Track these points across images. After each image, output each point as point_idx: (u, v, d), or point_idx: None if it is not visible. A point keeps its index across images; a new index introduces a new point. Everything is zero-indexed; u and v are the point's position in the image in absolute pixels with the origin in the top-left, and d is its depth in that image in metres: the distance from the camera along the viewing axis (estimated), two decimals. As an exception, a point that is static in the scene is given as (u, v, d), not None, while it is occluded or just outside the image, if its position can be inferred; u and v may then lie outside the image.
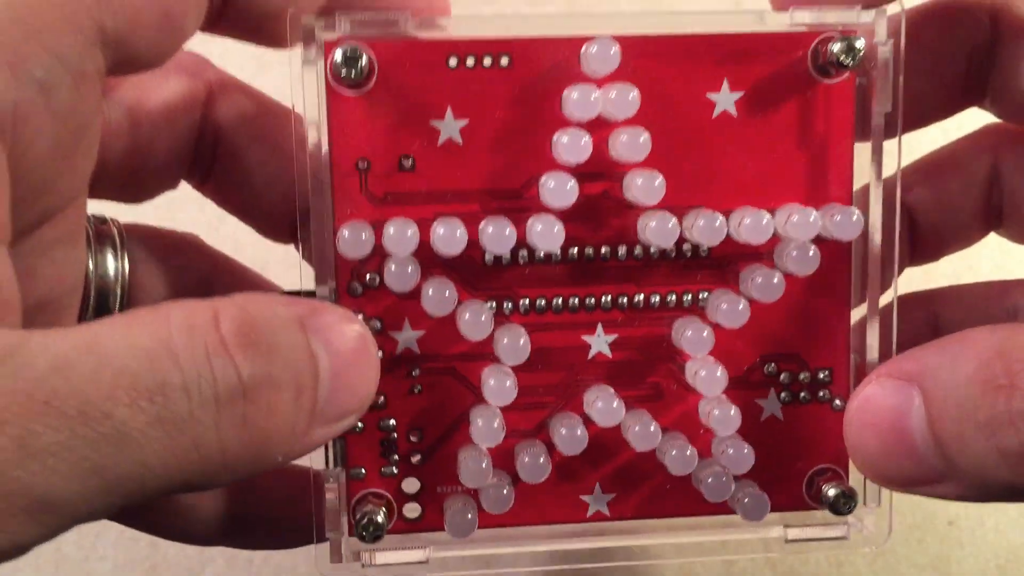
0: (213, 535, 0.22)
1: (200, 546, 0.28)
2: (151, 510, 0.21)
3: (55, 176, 0.17)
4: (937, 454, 0.18)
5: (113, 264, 0.21)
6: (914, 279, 0.24)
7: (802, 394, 0.21)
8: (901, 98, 0.20)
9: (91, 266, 0.21)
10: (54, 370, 0.14)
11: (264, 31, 0.20)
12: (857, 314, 0.21)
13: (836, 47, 0.20)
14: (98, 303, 0.21)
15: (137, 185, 0.22)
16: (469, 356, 0.21)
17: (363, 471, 0.21)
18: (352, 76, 0.19)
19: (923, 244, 0.24)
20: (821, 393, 0.21)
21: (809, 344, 0.21)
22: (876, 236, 0.21)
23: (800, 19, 0.20)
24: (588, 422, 0.21)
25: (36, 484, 0.14)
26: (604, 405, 0.20)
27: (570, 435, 0.20)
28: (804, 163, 0.21)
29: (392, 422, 0.21)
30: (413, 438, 0.21)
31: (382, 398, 0.20)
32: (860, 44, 0.20)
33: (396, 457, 0.21)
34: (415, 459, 0.21)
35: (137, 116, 0.21)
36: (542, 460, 0.20)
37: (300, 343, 0.16)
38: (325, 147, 0.20)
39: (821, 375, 0.21)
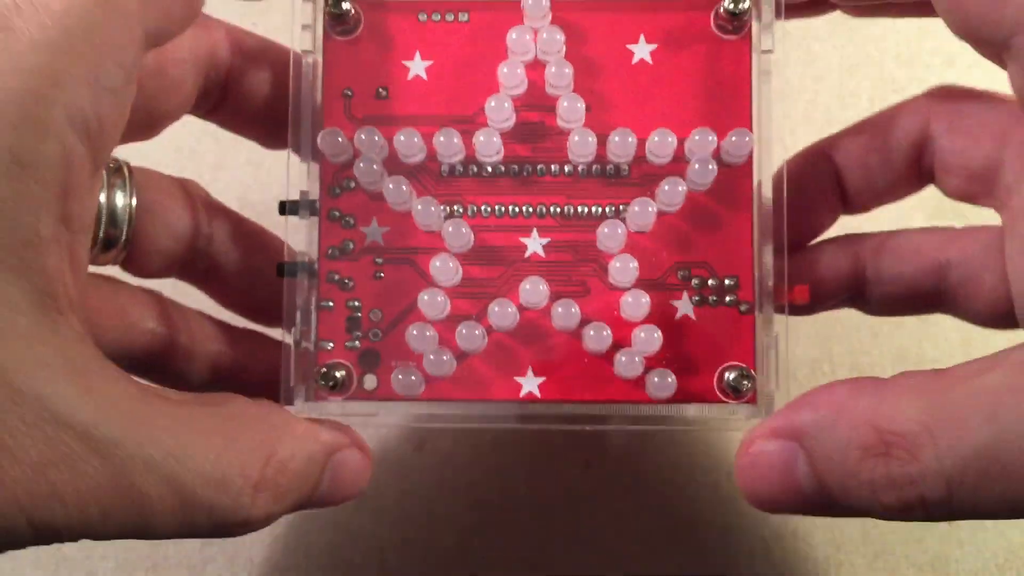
0: (206, 384, 0.27)
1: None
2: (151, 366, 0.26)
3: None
4: (822, 497, 0.21)
5: (122, 200, 0.25)
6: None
7: (712, 298, 0.25)
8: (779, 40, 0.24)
9: (103, 200, 0.24)
10: (144, 470, 0.19)
11: None
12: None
13: (727, 2, 0.24)
14: (107, 236, 0.25)
15: (153, 123, 0.25)
16: (424, 249, 0.25)
17: (331, 344, 0.25)
18: (340, 13, 0.24)
19: (853, 197, 0.27)
20: (729, 298, 0.25)
21: (718, 254, 0.25)
22: (767, 162, 0.24)
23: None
24: (523, 309, 0.24)
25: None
26: (531, 287, 0.24)
27: (502, 312, 0.24)
28: (710, 101, 0.25)
29: (357, 303, 0.25)
30: (374, 317, 0.25)
31: (351, 281, 0.25)
32: (746, 2, 0.24)
33: (359, 332, 0.25)
34: (374, 336, 0.25)
35: (163, 65, 0.24)
36: (478, 332, 0.24)
37: (315, 478, 0.22)
38: (319, 78, 0.25)
39: (728, 282, 0.25)
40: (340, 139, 0.24)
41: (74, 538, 0.19)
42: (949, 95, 0.26)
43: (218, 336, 0.27)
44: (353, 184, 0.25)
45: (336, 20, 0.25)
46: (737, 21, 0.25)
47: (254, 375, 0.27)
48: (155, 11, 0.20)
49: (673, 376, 0.24)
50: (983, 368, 0.20)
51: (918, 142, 0.26)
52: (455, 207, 0.25)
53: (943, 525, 0.34)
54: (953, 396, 0.20)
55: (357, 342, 0.25)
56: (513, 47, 0.24)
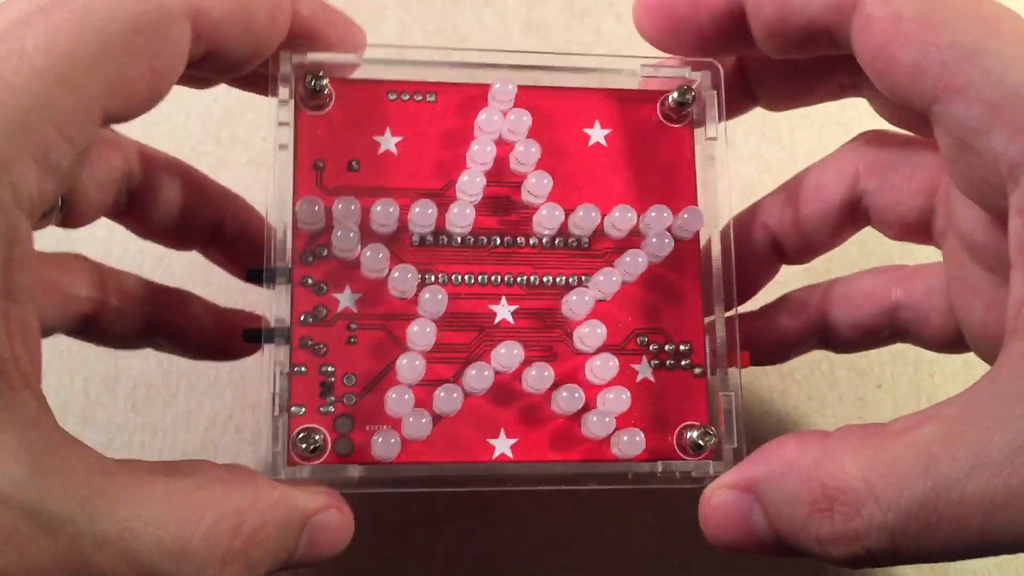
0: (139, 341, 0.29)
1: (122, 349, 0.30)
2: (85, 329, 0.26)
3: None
4: (776, 542, 0.23)
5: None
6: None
7: (668, 362, 0.26)
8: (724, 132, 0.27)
9: None
10: (96, 546, 0.19)
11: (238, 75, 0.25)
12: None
13: (675, 95, 0.27)
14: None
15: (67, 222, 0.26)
16: (398, 316, 0.25)
17: (303, 409, 0.25)
18: (315, 89, 0.25)
19: (792, 255, 0.29)
20: (684, 362, 0.26)
21: (672, 321, 0.27)
22: (714, 235, 0.27)
23: (647, 72, 0.27)
24: (496, 372, 0.25)
25: None
26: (506, 351, 0.25)
27: (479, 375, 0.25)
28: (660, 181, 0.27)
29: (331, 368, 0.25)
30: (347, 383, 0.25)
31: (324, 347, 0.25)
32: (691, 96, 0.27)
33: (332, 398, 0.25)
34: (348, 401, 0.25)
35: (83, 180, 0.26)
36: (455, 395, 0.25)
37: (290, 545, 0.22)
38: (291, 150, 0.26)
39: (683, 347, 0.27)
40: (317, 208, 0.25)
41: None
42: (875, 143, 0.28)
43: (147, 295, 0.29)
44: (326, 252, 0.25)
45: (311, 95, 0.26)
46: (682, 111, 0.27)
47: (183, 331, 0.29)
48: (118, 97, 0.21)
49: (642, 435, 0.25)
50: (918, 422, 0.21)
51: (850, 201, 0.28)
52: (426, 275, 0.26)
53: None
54: (891, 451, 0.21)
55: (331, 407, 0.25)
56: (483, 126, 0.26)
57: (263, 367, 0.25)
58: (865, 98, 0.27)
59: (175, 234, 0.29)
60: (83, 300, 0.27)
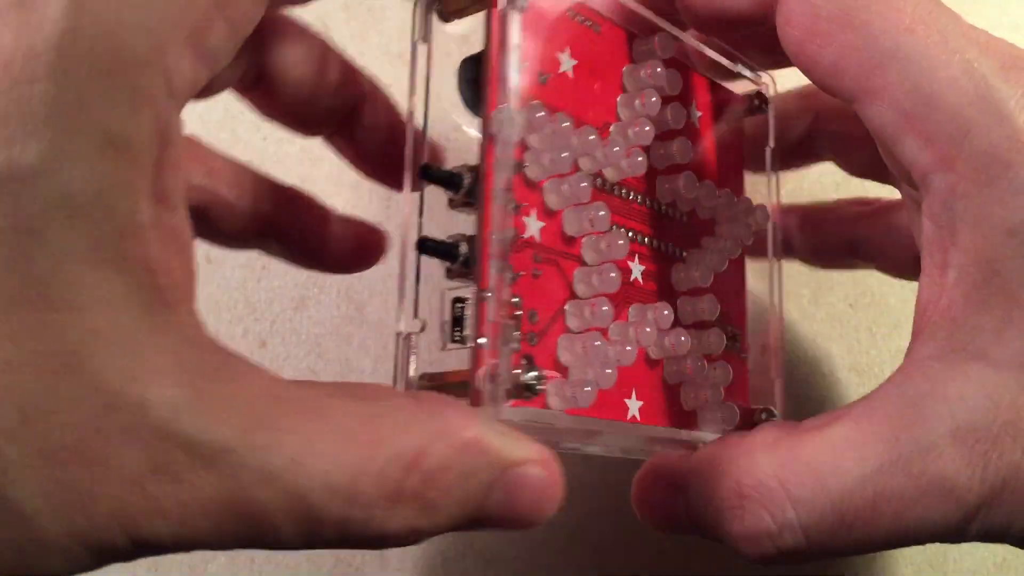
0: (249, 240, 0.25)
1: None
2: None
3: None
4: (701, 533, 0.23)
5: None
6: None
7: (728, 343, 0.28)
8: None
9: None
10: (259, 481, 0.16)
11: None
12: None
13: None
14: None
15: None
16: (568, 255, 0.23)
17: (486, 341, 0.21)
18: None
19: (803, 259, 0.32)
20: (736, 345, 0.28)
21: (726, 306, 0.28)
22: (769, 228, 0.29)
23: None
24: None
25: None
26: (663, 313, 0.24)
27: (651, 333, 0.24)
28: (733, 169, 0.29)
29: (516, 299, 0.21)
30: (532, 320, 0.22)
31: (512, 275, 0.21)
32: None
33: (518, 334, 0.21)
34: (531, 340, 0.22)
35: None
36: (629, 348, 0.23)
37: (479, 496, 0.18)
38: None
39: (735, 331, 0.28)
40: (541, 115, 0.22)
41: (184, 550, 0.16)
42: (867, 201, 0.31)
43: (263, 191, 0.25)
44: (521, 168, 0.22)
45: None
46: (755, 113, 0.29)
47: (298, 234, 0.26)
48: None
49: (736, 409, 0.26)
50: (827, 421, 0.22)
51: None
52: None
53: None
54: (804, 450, 0.21)
55: (517, 344, 0.21)
56: (646, 78, 0.25)
57: (437, 286, 0.21)
58: None
59: (303, 114, 0.24)
60: (194, 188, 0.23)
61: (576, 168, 0.23)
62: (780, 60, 0.27)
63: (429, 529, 0.18)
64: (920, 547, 0.32)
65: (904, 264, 0.30)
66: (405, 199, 0.22)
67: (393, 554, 0.31)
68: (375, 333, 0.32)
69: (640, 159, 0.24)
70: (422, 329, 0.22)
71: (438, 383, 0.21)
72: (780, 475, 0.21)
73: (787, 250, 0.32)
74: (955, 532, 0.21)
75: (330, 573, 0.30)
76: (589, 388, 0.22)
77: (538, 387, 0.21)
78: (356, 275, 0.31)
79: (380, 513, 0.17)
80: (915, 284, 0.23)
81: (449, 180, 0.21)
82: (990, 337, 0.21)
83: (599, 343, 0.22)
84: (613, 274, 0.23)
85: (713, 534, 0.23)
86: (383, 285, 0.32)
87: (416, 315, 0.22)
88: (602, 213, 0.23)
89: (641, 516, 0.25)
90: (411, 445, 0.17)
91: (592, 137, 0.23)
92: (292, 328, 0.32)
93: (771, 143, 0.30)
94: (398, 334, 0.22)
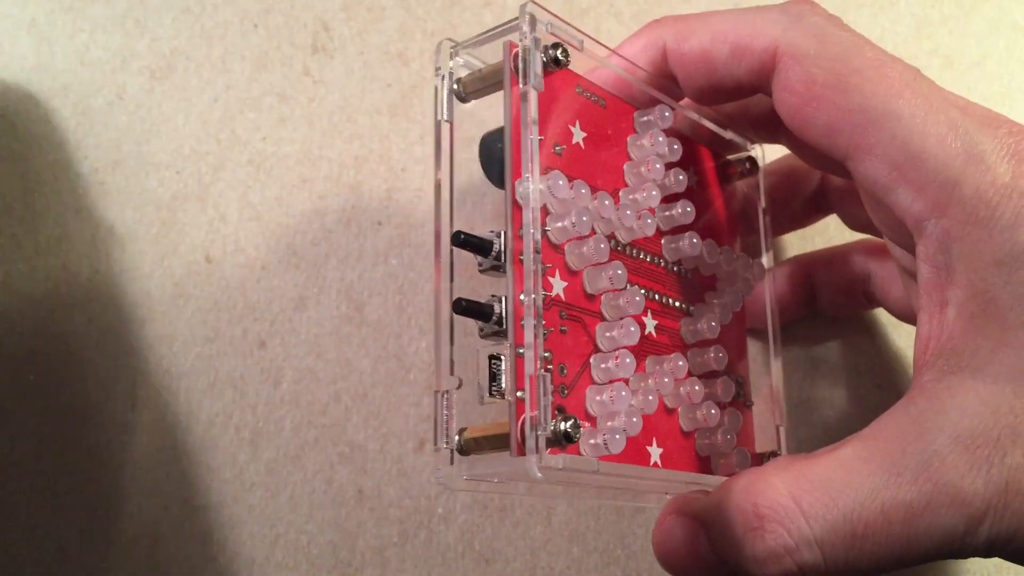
0: None
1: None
2: None
3: None
4: (720, 566, 0.24)
5: None
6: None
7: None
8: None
9: None
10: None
11: None
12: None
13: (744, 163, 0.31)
14: None
15: None
16: (590, 311, 0.25)
17: (525, 395, 0.22)
18: (556, 60, 0.24)
19: (824, 309, 0.34)
20: (739, 393, 0.30)
21: (731, 356, 0.30)
22: (768, 280, 0.31)
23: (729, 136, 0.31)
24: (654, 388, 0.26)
25: None
26: (676, 364, 0.26)
27: (669, 383, 0.25)
28: (728, 228, 0.31)
29: (548, 354, 0.23)
30: (561, 373, 0.23)
31: (544, 331, 0.23)
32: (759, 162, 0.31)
33: (551, 387, 0.23)
34: (562, 392, 0.23)
35: None
36: (651, 398, 0.25)
37: None
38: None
39: (739, 379, 0.30)
40: (561, 182, 0.23)
41: None
42: (878, 244, 0.32)
43: None
44: (545, 232, 0.24)
45: (553, 62, 0.24)
46: (742, 176, 0.31)
47: None
48: None
49: (748, 453, 0.28)
50: (839, 445, 0.23)
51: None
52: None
53: None
54: (816, 470, 0.23)
55: (551, 396, 0.23)
56: (649, 146, 0.27)
57: (474, 347, 0.23)
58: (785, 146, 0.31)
59: None
60: None
61: (593, 231, 0.25)
62: (766, 134, 0.30)
63: None
64: None
65: (905, 303, 0.31)
66: (435, 266, 0.24)
67: (393, 555, 0.31)
68: (374, 333, 0.32)
69: (649, 221, 0.26)
70: (459, 386, 0.23)
71: (480, 435, 0.23)
72: (794, 493, 0.22)
73: (808, 303, 0.33)
74: (965, 540, 0.22)
75: (330, 574, 0.31)
76: (619, 435, 0.23)
77: (575, 435, 0.22)
78: (356, 275, 0.32)
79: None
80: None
81: (480, 246, 0.23)
82: (986, 356, 0.22)
83: (625, 392, 0.24)
84: (633, 328, 0.24)
85: (735, 563, 0.23)
86: (383, 285, 0.32)
87: (452, 373, 0.23)
88: (620, 272, 0.25)
89: (665, 561, 0.25)
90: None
91: (607, 202, 0.25)
92: (292, 328, 0.32)
93: (763, 203, 0.32)
94: (437, 392, 0.23)
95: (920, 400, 0.23)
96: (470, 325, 0.23)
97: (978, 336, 0.22)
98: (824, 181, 0.32)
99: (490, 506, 0.32)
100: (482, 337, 0.23)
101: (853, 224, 0.32)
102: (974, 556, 0.22)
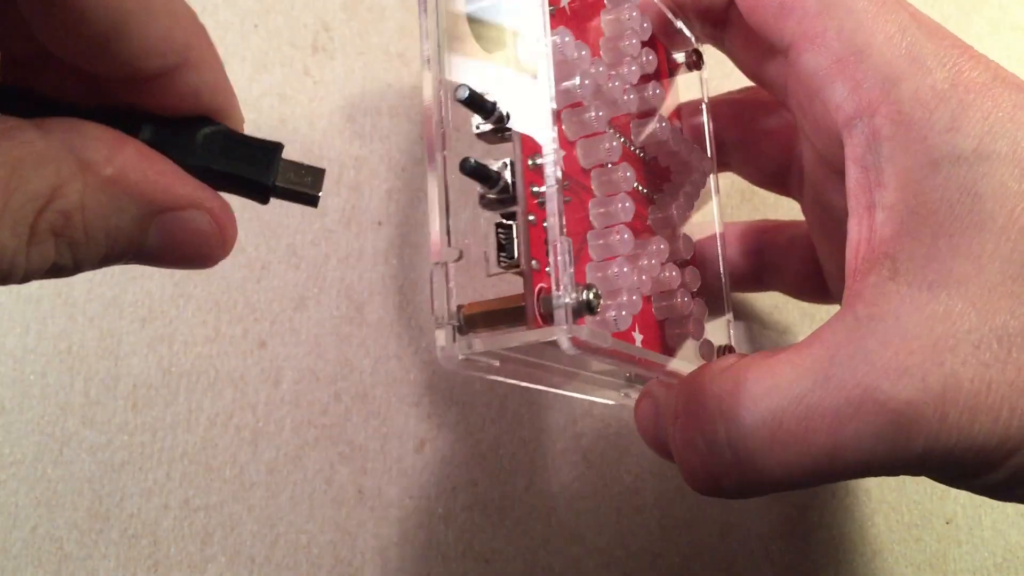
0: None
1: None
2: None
3: None
4: (665, 444, 0.25)
5: None
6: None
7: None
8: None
9: None
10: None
11: None
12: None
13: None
14: None
15: None
16: (583, 185, 0.24)
17: (537, 263, 0.21)
18: None
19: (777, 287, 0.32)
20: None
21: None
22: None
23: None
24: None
25: None
26: (658, 247, 0.26)
27: (655, 264, 0.25)
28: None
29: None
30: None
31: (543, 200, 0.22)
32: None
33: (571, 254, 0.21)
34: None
35: None
36: (644, 277, 0.25)
37: (132, 235, 0.18)
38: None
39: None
40: (568, 39, 0.23)
41: None
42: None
43: None
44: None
45: None
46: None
47: None
48: None
49: (713, 344, 0.28)
50: (777, 351, 0.22)
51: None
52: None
53: (941, 524, 0.34)
54: (747, 373, 0.22)
55: (571, 263, 0.21)
56: (624, 22, 0.26)
57: (481, 220, 0.22)
58: (726, 52, 0.29)
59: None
60: None
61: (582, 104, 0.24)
62: (711, 30, 0.29)
63: (75, 264, 0.18)
64: (921, 547, 0.34)
65: (806, 280, 0.31)
66: (425, 130, 0.22)
67: (393, 555, 0.31)
68: (375, 333, 0.32)
69: (633, 96, 0.25)
70: (459, 258, 0.22)
71: (483, 310, 0.21)
72: (718, 394, 0.22)
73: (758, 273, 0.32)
74: (896, 453, 0.20)
75: (330, 573, 0.31)
76: (625, 312, 0.22)
77: (596, 305, 0.20)
78: (356, 275, 0.32)
79: (15, 256, 0.17)
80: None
81: (483, 105, 0.21)
82: (920, 262, 0.21)
83: (627, 268, 0.23)
84: (628, 203, 0.23)
85: (673, 450, 0.23)
86: (383, 285, 0.32)
87: (450, 244, 0.22)
88: (615, 143, 0.23)
89: (642, 436, 0.25)
90: (44, 185, 0.17)
91: (602, 68, 0.24)
92: (291, 328, 0.32)
93: (705, 99, 0.30)
94: (435, 264, 0.21)
95: (857, 306, 0.22)
96: (466, 200, 0.22)
97: (911, 241, 0.21)
98: (721, 134, 0.31)
99: (490, 506, 0.32)
100: (483, 206, 0.22)
101: (755, 178, 0.31)
102: (905, 473, 0.21)
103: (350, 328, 0.32)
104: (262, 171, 0.20)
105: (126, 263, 0.19)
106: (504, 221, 0.21)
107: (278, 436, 0.31)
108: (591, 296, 0.20)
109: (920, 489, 0.34)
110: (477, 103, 0.21)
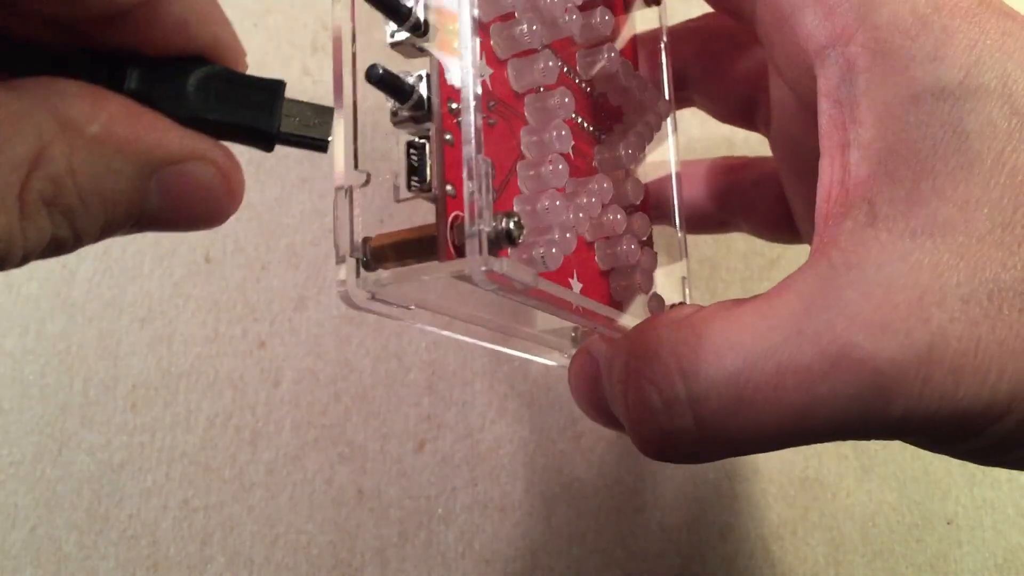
0: None
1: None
2: None
3: None
4: (611, 415, 0.22)
5: None
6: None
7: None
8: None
9: None
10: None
11: None
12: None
13: None
14: None
15: None
16: (515, 110, 0.21)
17: (453, 189, 0.19)
18: None
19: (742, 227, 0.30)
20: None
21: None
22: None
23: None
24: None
25: None
26: (600, 186, 0.23)
27: (596, 204, 0.23)
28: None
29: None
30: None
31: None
32: None
33: (490, 178, 0.19)
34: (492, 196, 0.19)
35: None
36: (581, 215, 0.22)
37: (132, 196, 0.17)
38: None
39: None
40: None
41: None
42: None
43: None
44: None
45: None
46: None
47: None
48: None
49: (663, 299, 0.25)
50: (741, 301, 0.20)
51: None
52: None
53: (942, 525, 0.34)
54: (708, 327, 0.20)
55: (491, 188, 0.18)
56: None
57: (397, 139, 0.19)
58: None
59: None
60: None
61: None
62: None
63: (75, 236, 0.16)
64: (922, 548, 0.33)
65: (775, 220, 0.29)
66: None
67: (393, 555, 0.31)
68: (374, 333, 0.32)
69: (575, 17, 0.22)
70: (366, 182, 0.19)
71: (392, 241, 0.19)
72: (676, 349, 0.19)
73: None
74: (872, 415, 0.18)
75: (330, 574, 0.31)
76: (555, 250, 0.19)
77: (517, 236, 0.18)
78: None
79: (9, 233, 0.15)
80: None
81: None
82: (901, 207, 0.19)
83: (560, 202, 0.20)
84: (564, 132, 0.21)
85: (621, 422, 0.21)
86: None
87: (356, 167, 0.19)
88: (551, 64, 0.21)
89: (575, 397, 0.23)
90: (26, 149, 0.15)
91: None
92: (291, 328, 0.32)
93: (664, 37, 0.28)
94: (338, 189, 0.19)
95: (832, 254, 0.19)
96: (378, 115, 0.20)
97: (891, 183, 0.19)
98: (683, 69, 0.28)
99: (490, 506, 0.32)
100: (395, 124, 0.19)
101: (719, 114, 0.29)
102: (879, 437, 0.20)
103: (350, 328, 0.32)
104: (264, 116, 0.17)
105: (130, 231, 0.17)
106: (417, 140, 0.18)
107: (278, 436, 0.31)
108: (511, 224, 0.18)
109: (921, 489, 0.34)
110: (391, 6, 0.19)
